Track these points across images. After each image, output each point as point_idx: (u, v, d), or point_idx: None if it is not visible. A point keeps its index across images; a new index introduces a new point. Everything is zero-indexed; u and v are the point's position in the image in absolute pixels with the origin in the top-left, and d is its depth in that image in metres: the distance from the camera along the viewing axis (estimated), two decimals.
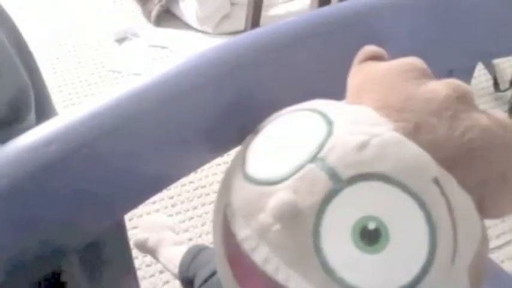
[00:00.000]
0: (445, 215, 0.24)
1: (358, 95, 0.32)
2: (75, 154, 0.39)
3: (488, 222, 0.30)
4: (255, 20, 1.73)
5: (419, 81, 0.31)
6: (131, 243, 1.12)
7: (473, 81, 1.70)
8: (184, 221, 1.26)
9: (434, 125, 0.26)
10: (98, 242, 0.44)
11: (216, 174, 1.38)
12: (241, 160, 0.33)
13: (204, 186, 1.35)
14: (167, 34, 1.92)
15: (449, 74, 0.65)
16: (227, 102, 0.49)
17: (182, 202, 1.31)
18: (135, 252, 1.17)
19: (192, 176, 1.36)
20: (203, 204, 1.30)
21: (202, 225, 1.26)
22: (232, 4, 1.92)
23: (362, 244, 0.24)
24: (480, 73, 1.74)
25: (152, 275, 1.14)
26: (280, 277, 0.25)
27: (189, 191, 1.33)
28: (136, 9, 2.05)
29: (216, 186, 1.33)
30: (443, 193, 0.24)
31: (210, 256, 0.47)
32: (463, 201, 0.25)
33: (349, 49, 0.56)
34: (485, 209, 0.27)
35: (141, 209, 1.27)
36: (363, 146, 0.25)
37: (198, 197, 1.32)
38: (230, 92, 0.49)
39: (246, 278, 0.27)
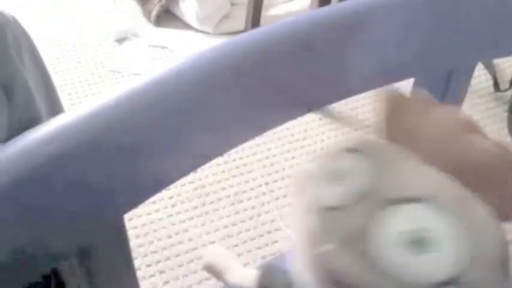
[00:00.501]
0: (474, 228, 0.31)
1: (414, 139, 0.36)
2: (75, 153, 0.39)
3: None
4: (255, 20, 1.73)
5: (474, 136, 0.36)
6: (131, 244, 1.12)
7: (473, 81, 1.70)
8: (184, 221, 1.26)
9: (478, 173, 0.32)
10: (97, 242, 0.44)
11: (216, 174, 1.38)
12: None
13: (204, 186, 1.35)
14: (167, 34, 1.92)
15: (449, 74, 0.66)
16: (227, 101, 0.49)
17: (182, 202, 1.31)
18: (135, 252, 1.18)
19: (192, 176, 1.36)
20: (203, 204, 1.30)
21: (202, 225, 1.26)
22: (232, 4, 1.92)
23: (413, 247, 0.30)
24: (480, 73, 1.74)
25: (152, 275, 1.15)
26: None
27: (189, 191, 1.33)
28: (136, 9, 2.05)
29: (216, 186, 1.34)
30: (470, 210, 0.31)
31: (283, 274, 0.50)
32: (486, 215, 0.31)
33: (349, 48, 0.56)
34: (505, 216, 0.32)
35: (141, 209, 1.27)
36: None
37: (198, 197, 1.32)
38: (230, 91, 0.49)
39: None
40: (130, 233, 1.22)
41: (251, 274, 0.54)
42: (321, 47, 0.53)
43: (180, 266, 1.17)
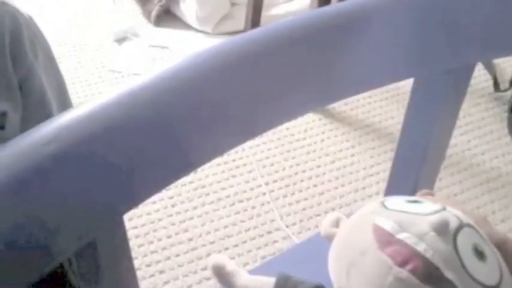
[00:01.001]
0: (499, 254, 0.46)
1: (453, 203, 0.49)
2: (74, 153, 0.40)
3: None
4: (254, 20, 1.73)
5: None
6: (131, 244, 1.12)
7: (473, 81, 1.71)
8: (184, 221, 1.26)
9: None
10: (97, 242, 0.44)
11: (216, 174, 1.38)
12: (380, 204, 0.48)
13: (204, 186, 1.35)
14: (167, 34, 1.92)
15: (449, 74, 0.66)
16: (226, 101, 0.49)
17: (182, 202, 1.31)
18: (135, 252, 1.18)
19: (192, 176, 1.36)
20: (203, 204, 1.30)
21: (202, 225, 1.26)
22: (232, 4, 1.93)
23: (476, 256, 0.42)
24: (480, 73, 1.74)
25: (152, 275, 1.15)
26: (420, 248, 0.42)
27: (189, 191, 1.33)
28: (136, 9, 2.05)
29: (216, 186, 1.34)
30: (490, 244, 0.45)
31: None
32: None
33: (348, 48, 0.56)
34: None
35: (141, 209, 1.27)
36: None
37: (198, 197, 1.32)
38: (228, 91, 0.49)
39: (390, 246, 0.42)
40: (130, 233, 1.22)
41: (264, 280, 0.55)
42: (320, 47, 0.53)
43: (180, 266, 1.17)
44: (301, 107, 0.56)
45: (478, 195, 1.36)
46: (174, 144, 0.46)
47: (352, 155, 1.46)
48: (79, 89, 1.68)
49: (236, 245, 1.22)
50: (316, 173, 1.40)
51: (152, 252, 1.19)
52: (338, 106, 1.61)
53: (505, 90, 1.66)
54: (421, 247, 0.42)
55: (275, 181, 1.37)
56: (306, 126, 1.54)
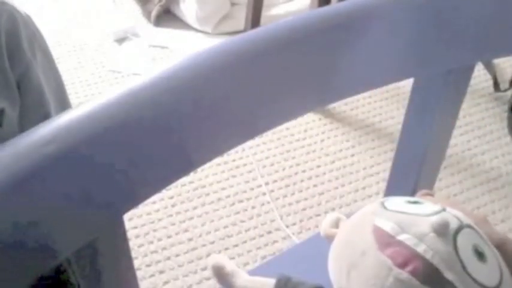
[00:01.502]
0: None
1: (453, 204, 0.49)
2: (74, 154, 0.40)
3: None
4: (254, 20, 1.73)
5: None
6: (131, 244, 1.11)
7: (473, 81, 1.71)
8: (184, 221, 1.26)
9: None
10: (97, 242, 0.44)
11: (216, 174, 1.38)
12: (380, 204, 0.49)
13: (204, 186, 1.35)
14: (167, 34, 1.92)
15: (449, 74, 0.66)
16: (226, 101, 0.49)
17: (182, 202, 1.31)
18: (135, 252, 1.18)
19: (192, 176, 1.36)
20: (203, 204, 1.30)
21: (202, 225, 1.26)
22: (232, 4, 1.93)
23: (477, 256, 0.42)
24: (480, 73, 1.74)
25: (152, 275, 1.15)
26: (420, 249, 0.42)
27: (189, 191, 1.33)
28: (136, 9, 2.05)
29: (216, 186, 1.34)
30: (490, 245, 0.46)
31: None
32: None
33: (348, 49, 0.56)
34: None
35: (141, 209, 1.27)
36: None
37: (198, 197, 1.32)
38: (229, 91, 0.49)
39: (390, 247, 0.43)
40: (130, 233, 1.22)
41: (264, 281, 0.55)
42: (320, 47, 0.53)
43: (180, 266, 1.17)
44: (301, 107, 0.56)
45: (478, 195, 1.36)
46: (174, 144, 0.46)
47: (352, 155, 1.46)
48: (79, 89, 1.68)
49: (236, 245, 1.22)
50: (316, 173, 1.40)
51: (152, 252, 1.19)
52: (338, 106, 1.61)
53: (505, 90, 1.66)
54: (421, 248, 0.42)
55: (275, 181, 1.37)
56: (306, 126, 1.54)
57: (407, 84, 0.67)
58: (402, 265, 0.41)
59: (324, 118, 1.57)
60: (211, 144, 0.50)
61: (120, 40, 1.88)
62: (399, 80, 0.63)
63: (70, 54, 1.82)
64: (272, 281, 0.54)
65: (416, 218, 0.44)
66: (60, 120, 0.40)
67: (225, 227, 1.26)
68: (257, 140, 1.47)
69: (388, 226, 0.44)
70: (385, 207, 0.47)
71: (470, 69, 0.69)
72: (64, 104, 0.73)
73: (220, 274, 0.57)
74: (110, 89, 0.43)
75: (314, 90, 0.56)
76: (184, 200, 1.31)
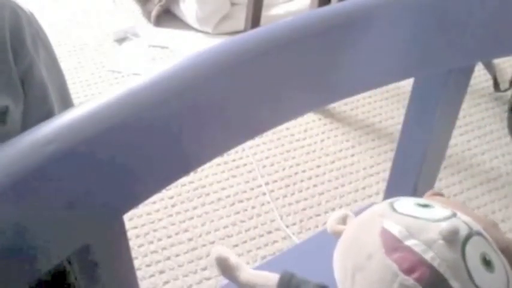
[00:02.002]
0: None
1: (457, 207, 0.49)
2: (74, 153, 0.40)
3: None
4: (255, 20, 1.73)
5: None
6: (131, 244, 1.11)
7: (473, 81, 1.71)
8: (184, 221, 1.26)
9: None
10: (97, 242, 0.44)
11: (216, 174, 1.38)
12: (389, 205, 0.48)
13: (204, 186, 1.35)
14: (167, 34, 1.92)
15: (449, 74, 0.66)
16: (226, 101, 0.49)
17: (182, 202, 1.31)
18: (135, 252, 1.18)
19: (192, 176, 1.36)
20: (203, 204, 1.30)
21: (202, 225, 1.26)
22: (232, 4, 1.92)
23: (484, 265, 0.42)
24: (480, 73, 1.74)
25: (152, 275, 1.15)
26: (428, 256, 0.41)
27: (189, 191, 1.33)
28: (136, 9, 2.05)
29: (216, 186, 1.34)
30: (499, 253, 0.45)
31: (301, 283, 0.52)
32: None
33: (348, 49, 0.56)
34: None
35: (141, 209, 1.27)
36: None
37: (198, 197, 1.32)
38: (229, 91, 0.49)
39: (397, 252, 0.42)
40: (130, 233, 1.22)
41: (268, 276, 0.54)
42: (320, 47, 0.53)
43: (180, 266, 1.17)
44: (301, 107, 0.56)
45: (478, 195, 1.36)
46: (174, 144, 0.46)
47: (352, 155, 1.46)
48: (79, 89, 1.68)
49: (236, 245, 1.22)
50: (316, 173, 1.40)
51: (152, 252, 1.19)
52: (338, 106, 1.61)
53: (505, 90, 1.66)
54: (428, 255, 0.41)
55: (275, 181, 1.37)
56: (306, 126, 1.54)
57: (407, 84, 0.67)
58: (408, 271, 0.41)
59: (324, 118, 1.57)
60: (211, 144, 0.50)
61: (120, 40, 1.88)
62: (399, 80, 0.63)
63: (70, 54, 1.82)
64: (276, 277, 0.54)
65: (426, 223, 0.44)
66: (61, 120, 0.40)
67: (225, 227, 1.26)
68: (257, 140, 1.47)
69: (396, 230, 0.43)
70: (394, 209, 0.46)
71: (470, 69, 0.69)
72: (67, 102, 0.73)
73: (223, 266, 0.57)
74: (110, 89, 0.43)
75: (314, 90, 0.56)
76: (184, 200, 1.31)
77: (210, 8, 1.87)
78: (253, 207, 1.30)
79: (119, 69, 1.76)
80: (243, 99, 0.50)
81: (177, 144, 0.47)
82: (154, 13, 1.94)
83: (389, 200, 0.48)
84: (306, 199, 1.33)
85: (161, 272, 1.16)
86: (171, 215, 1.27)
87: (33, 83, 0.63)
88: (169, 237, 1.22)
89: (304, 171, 1.40)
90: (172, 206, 1.30)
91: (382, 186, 1.34)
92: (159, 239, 1.22)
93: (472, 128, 1.57)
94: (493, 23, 0.63)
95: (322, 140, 1.50)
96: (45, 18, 1.94)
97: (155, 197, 1.28)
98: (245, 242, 1.22)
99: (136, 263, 1.16)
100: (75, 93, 1.65)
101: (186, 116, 0.46)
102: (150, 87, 0.44)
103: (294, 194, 1.34)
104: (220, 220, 1.27)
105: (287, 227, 1.26)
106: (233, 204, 1.31)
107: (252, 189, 1.35)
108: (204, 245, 1.21)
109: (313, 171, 1.41)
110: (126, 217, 0.45)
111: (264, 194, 1.34)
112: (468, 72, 0.68)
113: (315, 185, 1.37)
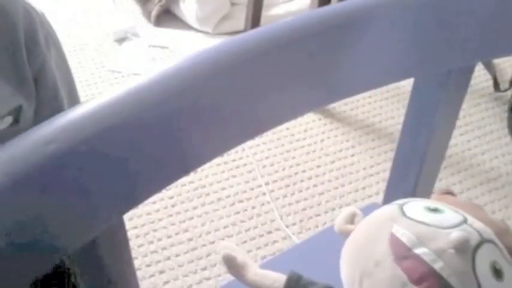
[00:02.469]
0: None
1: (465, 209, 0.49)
2: (74, 153, 0.40)
3: None
4: (255, 20, 1.73)
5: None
6: (131, 244, 1.11)
7: (473, 81, 1.71)
8: (184, 221, 1.26)
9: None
10: (97, 242, 0.44)
11: (216, 174, 1.38)
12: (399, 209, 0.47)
13: (204, 186, 1.35)
14: (167, 34, 1.92)
15: (449, 74, 0.66)
16: (226, 101, 0.49)
17: (182, 202, 1.31)
18: (135, 252, 1.18)
19: (192, 176, 1.36)
20: (203, 204, 1.30)
21: (202, 225, 1.26)
22: (232, 4, 1.93)
23: (494, 275, 0.42)
24: (480, 73, 1.74)
25: (152, 275, 1.15)
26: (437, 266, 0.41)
27: (189, 191, 1.33)
28: (136, 9, 2.05)
29: (216, 186, 1.34)
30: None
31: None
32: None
33: (348, 49, 0.56)
34: None
35: (141, 209, 1.27)
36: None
37: (198, 197, 1.32)
38: (229, 91, 0.49)
39: (406, 261, 0.42)
40: (130, 233, 1.22)
41: (275, 276, 0.54)
42: (320, 47, 0.53)
43: (180, 266, 1.17)
44: (302, 106, 0.56)
45: (478, 195, 1.36)
46: (174, 144, 0.46)
47: (352, 155, 1.46)
48: (79, 89, 1.66)
49: (236, 245, 1.21)
50: (316, 173, 1.40)
51: (152, 252, 1.19)
52: (338, 106, 1.61)
53: (505, 90, 1.66)
54: (438, 265, 0.41)
55: (275, 181, 1.37)
56: (306, 126, 1.54)
57: (407, 84, 0.67)
58: (417, 282, 0.41)
59: (324, 118, 1.57)
60: (211, 144, 0.50)
61: (120, 40, 1.88)
62: (399, 80, 0.63)
63: (70, 54, 1.82)
64: (283, 277, 0.53)
65: (436, 230, 0.43)
66: (61, 120, 0.40)
67: (225, 227, 1.26)
68: (257, 140, 1.47)
69: (405, 237, 0.43)
70: (403, 213, 0.46)
71: (470, 69, 0.69)
72: (74, 100, 0.73)
73: (231, 265, 0.57)
74: (110, 89, 0.43)
75: (314, 90, 0.56)
76: (184, 200, 1.31)
77: (210, 8, 1.87)
78: (253, 207, 1.30)
79: (119, 69, 1.76)
80: (243, 99, 0.50)
81: (177, 144, 0.47)
82: (154, 13, 1.94)
83: (399, 202, 0.48)
84: (306, 199, 1.33)
85: (161, 272, 1.16)
86: (171, 215, 1.27)
87: (45, 82, 0.64)
88: (169, 237, 1.22)
89: (304, 171, 1.40)
90: (172, 206, 1.30)
91: (382, 186, 1.34)
92: (159, 239, 1.22)
93: (472, 128, 1.57)
94: (493, 23, 0.63)
95: (322, 140, 1.50)
96: None
97: (155, 197, 1.28)
98: (245, 242, 1.22)
99: (137, 263, 1.16)
100: None
101: (186, 116, 0.46)
102: (150, 87, 0.44)
103: (294, 194, 1.34)
104: (220, 220, 1.27)
105: (287, 227, 1.26)
106: (233, 204, 1.31)
107: (252, 189, 1.35)
108: (204, 245, 1.21)
109: (313, 171, 1.41)
110: (126, 217, 0.45)
111: (264, 194, 1.34)
112: (468, 72, 0.68)
113: (315, 185, 1.37)
